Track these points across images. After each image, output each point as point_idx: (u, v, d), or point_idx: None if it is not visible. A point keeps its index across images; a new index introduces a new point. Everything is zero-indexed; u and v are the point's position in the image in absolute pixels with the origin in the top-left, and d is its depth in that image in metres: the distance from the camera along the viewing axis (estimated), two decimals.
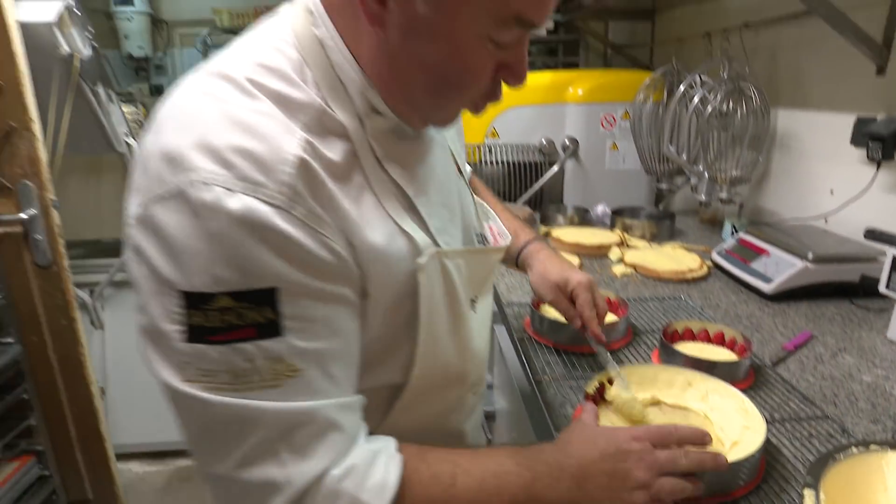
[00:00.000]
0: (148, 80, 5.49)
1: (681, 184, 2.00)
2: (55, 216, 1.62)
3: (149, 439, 2.38)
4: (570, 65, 2.61)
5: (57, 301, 1.68)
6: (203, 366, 0.48)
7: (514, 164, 1.95)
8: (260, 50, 0.55)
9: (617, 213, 1.83)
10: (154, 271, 0.48)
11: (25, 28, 1.48)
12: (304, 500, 0.50)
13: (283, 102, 0.52)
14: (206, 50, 4.44)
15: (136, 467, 2.37)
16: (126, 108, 1.99)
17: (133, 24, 5.04)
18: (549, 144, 1.96)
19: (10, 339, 1.55)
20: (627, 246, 1.65)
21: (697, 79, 1.68)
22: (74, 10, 1.61)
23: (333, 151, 0.53)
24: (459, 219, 0.71)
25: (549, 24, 2.44)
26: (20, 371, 1.58)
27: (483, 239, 0.77)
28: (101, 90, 1.79)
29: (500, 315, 1.22)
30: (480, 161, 1.92)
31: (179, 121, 0.51)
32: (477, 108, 0.61)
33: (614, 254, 1.57)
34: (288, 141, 0.50)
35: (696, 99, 1.64)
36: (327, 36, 0.56)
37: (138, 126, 2.09)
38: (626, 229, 1.76)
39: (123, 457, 2.22)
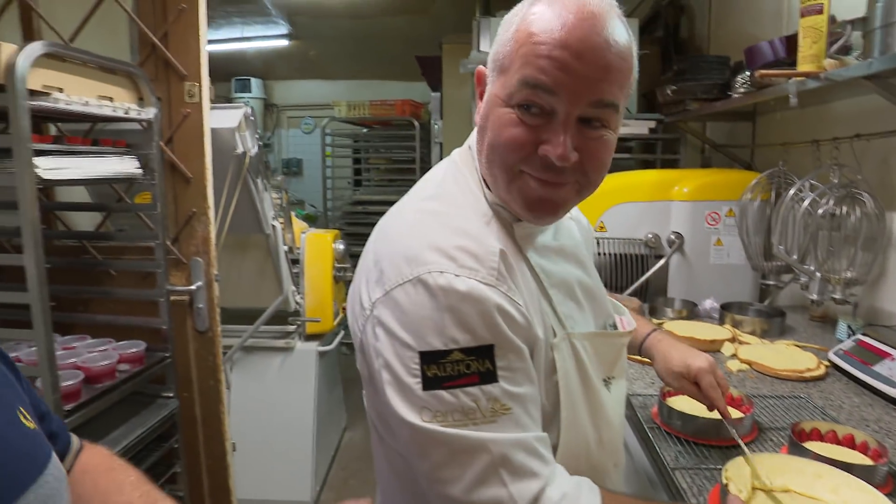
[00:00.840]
0: None
1: (788, 280, 2.02)
2: (216, 288, 1.88)
3: (260, 496, 2.52)
4: (669, 161, 2.74)
5: (209, 363, 1.90)
6: (439, 407, 0.63)
7: (620, 256, 2.06)
8: (445, 178, 0.78)
9: (725, 308, 1.87)
10: (397, 338, 0.65)
11: (213, 132, 1.80)
12: None
13: (473, 212, 0.72)
14: (325, 136, 4.93)
15: None
16: (273, 195, 2.29)
17: None
18: (655, 238, 2.06)
19: (170, 394, 1.77)
20: (739, 342, 1.68)
21: (807, 184, 1.75)
22: (250, 117, 1.92)
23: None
24: (589, 310, 0.85)
25: (650, 125, 2.59)
26: (175, 423, 1.78)
27: (614, 328, 0.92)
28: (259, 180, 2.09)
29: None
30: None
31: (408, 232, 0.70)
32: (542, 186, 0.69)
33: (727, 349, 1.61)
34: (489, 238, 0.69)
35: (806, 203, 1.70)
36: (480, 165, 0.76)
37: (280, 210, 2.38)
38: (736, 325, 1.79)
39: None
